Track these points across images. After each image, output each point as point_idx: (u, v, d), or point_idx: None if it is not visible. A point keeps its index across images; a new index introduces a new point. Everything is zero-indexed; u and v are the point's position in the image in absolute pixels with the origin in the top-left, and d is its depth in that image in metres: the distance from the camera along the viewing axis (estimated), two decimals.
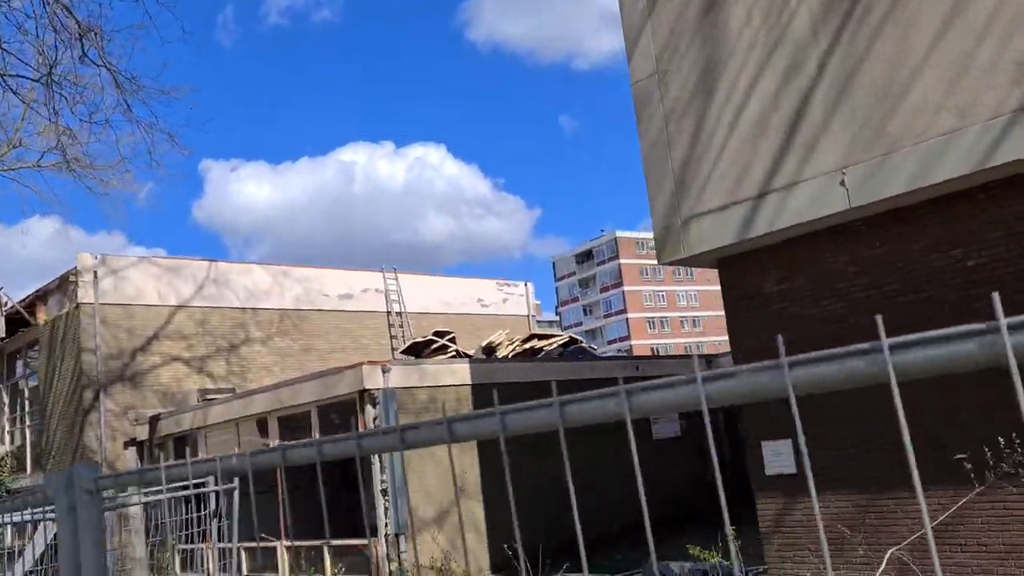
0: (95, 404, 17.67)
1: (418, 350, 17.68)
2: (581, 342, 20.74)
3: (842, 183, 8.41)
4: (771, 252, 9.52)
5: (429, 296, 24.50)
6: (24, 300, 19.74)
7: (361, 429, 12.82)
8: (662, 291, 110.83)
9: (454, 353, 17.79)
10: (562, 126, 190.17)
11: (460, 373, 14.03)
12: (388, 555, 12.39)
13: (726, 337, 10.15)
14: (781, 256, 9.47)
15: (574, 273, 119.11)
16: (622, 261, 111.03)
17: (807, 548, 9.16)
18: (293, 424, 14.43)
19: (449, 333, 18.62)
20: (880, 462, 8.54)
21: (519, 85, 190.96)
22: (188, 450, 2.45)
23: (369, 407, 12.71)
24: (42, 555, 10.33)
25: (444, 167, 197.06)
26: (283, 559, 13.79)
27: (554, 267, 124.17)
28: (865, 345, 1.02)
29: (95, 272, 18.02)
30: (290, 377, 18.18)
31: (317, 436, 13.84)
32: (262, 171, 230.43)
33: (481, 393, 14.03)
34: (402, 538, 12.41)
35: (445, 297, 24.98)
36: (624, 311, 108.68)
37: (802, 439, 1.10)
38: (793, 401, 1.08)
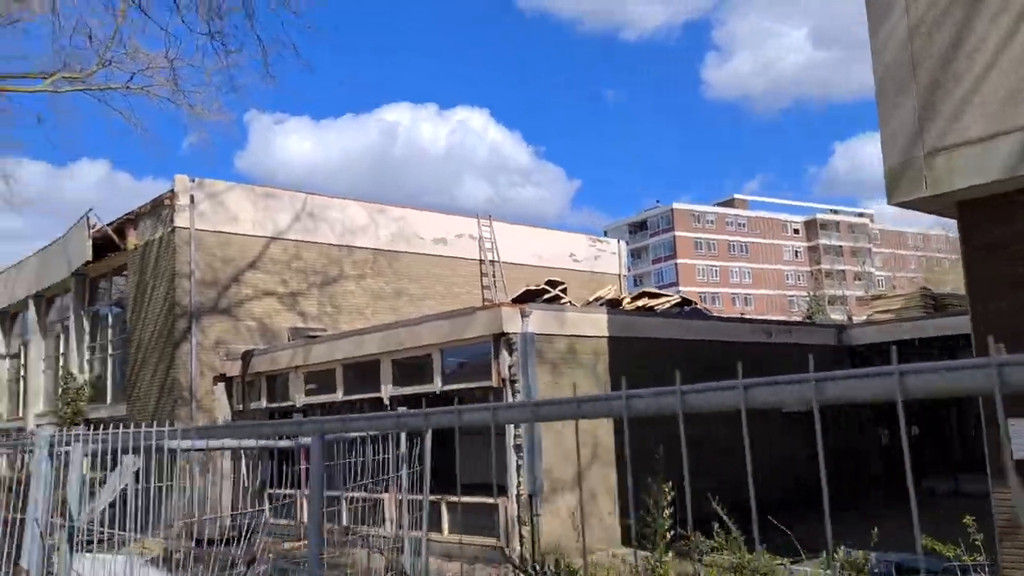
0: (187, 335, 16.68)
1: (530, 299, 16.37)
2: (694, 303, 19.26)
3: None
4: None
5: (521, 247, 23.17)
6: (113, 223, 18.76)
7: (495, 376, 11.56)
8: (716, 266, 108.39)
9: (567, 304, 16.45)
10: (606, 98, 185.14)
11: (599, 324, 12.67)
12: (519, 517, 11.19)
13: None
14: None
15: (627, 243, 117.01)
16: (677, 233, 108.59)
17: None
18: (410, 368, 13.23)
19: (561, 283, 17.30)
20: None
21: (564, 55, 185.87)
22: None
23: (505, 353, 11.42)
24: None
25: (487, 133, 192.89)
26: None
27: (606, 236, 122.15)
28: None
29: (191, 195, 16.95)
30: (386, 321, 17.04)
31: (439, 382, 12.63)
32: (305, 126, 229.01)
33: (618, 346, 12.68)
34: (536, 500, 11.19)
35: (537, 250, 23.64)
36: (676, 283, 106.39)
37: None
38: None
